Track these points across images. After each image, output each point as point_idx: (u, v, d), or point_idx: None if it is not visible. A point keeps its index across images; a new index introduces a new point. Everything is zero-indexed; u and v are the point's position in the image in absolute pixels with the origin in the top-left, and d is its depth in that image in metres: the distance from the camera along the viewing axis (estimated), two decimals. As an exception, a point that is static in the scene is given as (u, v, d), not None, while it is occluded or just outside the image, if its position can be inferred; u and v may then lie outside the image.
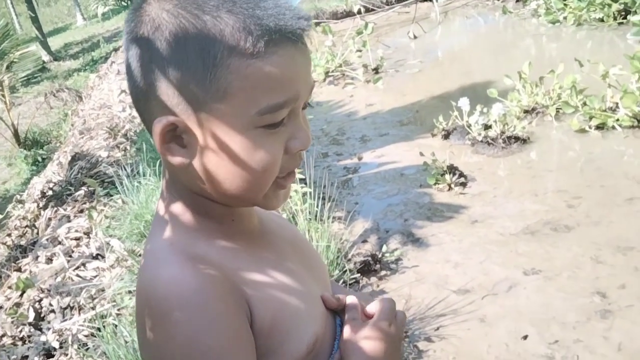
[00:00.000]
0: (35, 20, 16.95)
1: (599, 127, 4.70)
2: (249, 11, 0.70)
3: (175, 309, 0.70)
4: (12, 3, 22.77)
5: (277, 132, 0.75)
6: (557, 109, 5.09)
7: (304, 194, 3.59)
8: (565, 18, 8.25)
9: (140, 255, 3.13)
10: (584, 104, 4.90)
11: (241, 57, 0.70)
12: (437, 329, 2.87)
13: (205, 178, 0.76)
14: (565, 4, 8.36)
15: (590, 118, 4.75)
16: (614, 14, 7.72)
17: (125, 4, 19.10)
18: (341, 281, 3.05)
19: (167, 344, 0.71)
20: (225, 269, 0.76)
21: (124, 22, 0.79)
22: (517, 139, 4.76)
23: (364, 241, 3.72)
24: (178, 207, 0.81)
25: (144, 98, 0.75)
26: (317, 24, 9.55)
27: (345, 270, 3.20)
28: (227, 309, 0.73)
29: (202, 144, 0.74)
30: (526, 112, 5.25)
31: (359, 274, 3.32)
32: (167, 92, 0.72)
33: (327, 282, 0.98)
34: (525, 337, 2.71)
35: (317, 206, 3.52)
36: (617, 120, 4.64)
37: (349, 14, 11.23)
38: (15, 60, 10.08)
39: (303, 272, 0.88)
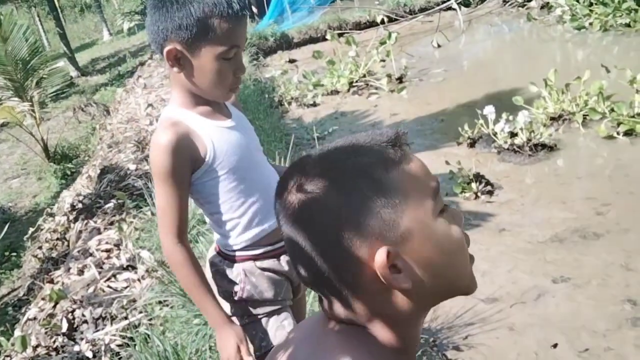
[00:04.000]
0: (63, 37, 17.23)
1: (627, 133, 4.66)
2: (371, 139, 0.82)
3: None
4: (40, 20, 23.24)
5: (446, 214, 0.83)
6: (584, 115, 5.05)
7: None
8: (591, 24, 8.18)
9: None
10: (612, 110, 4.86)
11: (394, 166, 0.79)
12: (466, 337, 2.86)
13: (426, 286, 0.80)
14: (590, 10, 8.29)
15: (618, 124, 4.71)
16: (640, 18, 7.65)
17: (151, 19, 19.42)
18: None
19: None
20: None
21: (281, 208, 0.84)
22: (543, 146, 4.74)
23: (391, 250, 3.72)
24: (361, 340, 0.83)
25: (339, 256, 0.79)
26: (341, 35, 9.59)
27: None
28: None
29: (416, 256, 0.79)
30: (552, 119, 5.22)
31: (387, 283, 3.32)
32: (364, 234, 0.77)
33: None
34: (555, 346, 2.70)
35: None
36: (646, 126, 4.59)
37: (372, 24, 11.26)
38: (44, 76, 10.29)
39: None
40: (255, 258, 1.67)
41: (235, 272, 1.67)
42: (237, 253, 1.67)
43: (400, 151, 0.81)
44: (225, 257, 1.70)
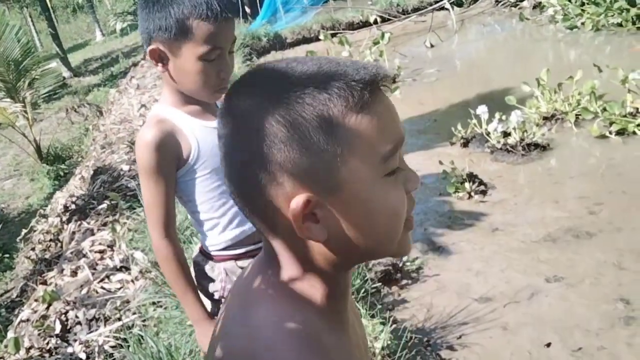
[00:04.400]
0: (55, 37, 17.17)
1: (620, 133, 4.67)
2: (343, 74, 0.73)
3: None
4: (32, 21, 23.15)
5: (396, 177, 0.77)
6: (576, 115, 5.06)
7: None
8: (583, 24, 8.20)
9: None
10: (604, 109, 4.87)
11: (353, 112, 0.72)
12: (460, 337, 2.87)
13: (345, 244, 0.76)
14: (582, 10, 8.32)
15: (611, 124, 4.73)
16: (632, 18, 7.67)
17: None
18: (362, 290, 3.06)
19: None
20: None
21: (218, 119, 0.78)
22: (536, 146, 4.75)
23: (385, 250, 3.72)
24: (288, 283, 0.80)
25: (259, 185, 0.74)
26: (334, 35, 9.59)
27: (367, 280, 3.20)
28: None
29: (340, 210, 0.74)
30: (545, 118, 5.23)
31: (380, 283, 3.33)
32: (290, 172, 0.72)
33: None
34: (548, 345, 2.71)
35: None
36: (638, 125, 4.61)
37: (365, 24, 11.26)
38: (36, 77, 10.24)
39: None
40: (236, 258, 1.68)
41: (216, 271, 1.69)
42: (219, 253, 1.69)
43: (371, 96, 0.72)
44: (207, 256, 1.72)
